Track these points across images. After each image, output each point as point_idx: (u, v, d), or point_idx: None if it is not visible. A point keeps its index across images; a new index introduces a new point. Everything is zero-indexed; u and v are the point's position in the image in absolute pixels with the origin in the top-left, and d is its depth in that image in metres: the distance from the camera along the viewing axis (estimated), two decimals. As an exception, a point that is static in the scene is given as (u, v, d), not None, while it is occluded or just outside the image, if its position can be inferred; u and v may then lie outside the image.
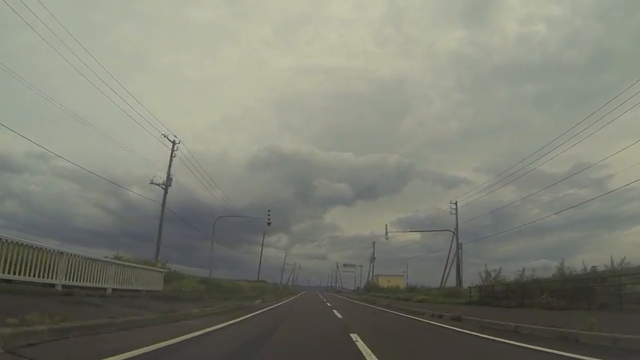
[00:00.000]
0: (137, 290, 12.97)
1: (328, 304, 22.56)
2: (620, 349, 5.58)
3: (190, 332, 6.21)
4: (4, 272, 7.85)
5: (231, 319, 9.11)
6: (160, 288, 14.92)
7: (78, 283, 10.00)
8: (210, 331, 6.70)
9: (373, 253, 68.59)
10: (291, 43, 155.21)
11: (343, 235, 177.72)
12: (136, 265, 13.76)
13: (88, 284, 10.43)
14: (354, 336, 6.58)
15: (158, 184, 26.38)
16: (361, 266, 73.19)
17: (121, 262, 12.82)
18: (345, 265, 75.01)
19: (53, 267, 9.17)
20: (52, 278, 9.10)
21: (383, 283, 71.34)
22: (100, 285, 11.03)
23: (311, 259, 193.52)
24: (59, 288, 9.23)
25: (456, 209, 35.35)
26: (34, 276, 8.60)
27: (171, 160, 27.35)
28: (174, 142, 27.44)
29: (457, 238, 34.79)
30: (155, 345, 4.69)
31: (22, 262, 8.28)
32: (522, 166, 25.64)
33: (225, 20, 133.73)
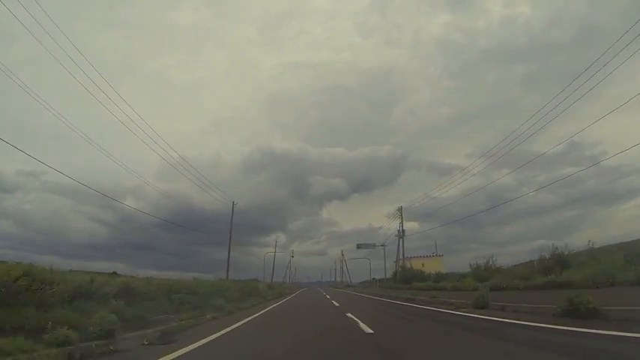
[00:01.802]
0: None
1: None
2: None
3: None
4: None
5: None
6: None
7: None
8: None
9: (401, 223, 45.40)
10: (277, 40, 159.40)
11: (341, 229, 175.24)
12: None
13: None
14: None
15: None
16: (384, 245, 49.98)
17: None
18: (359, 247, 51.65)
19: None
20: None
21: (416, 266, 48.65)
22: None
23: (310, 256, 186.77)
24: None
25: None
26: None
27: None
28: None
29: None
30: None
31: None
32: (515, 147, 19.56)
33: (208, 22, 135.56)
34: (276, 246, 68.30)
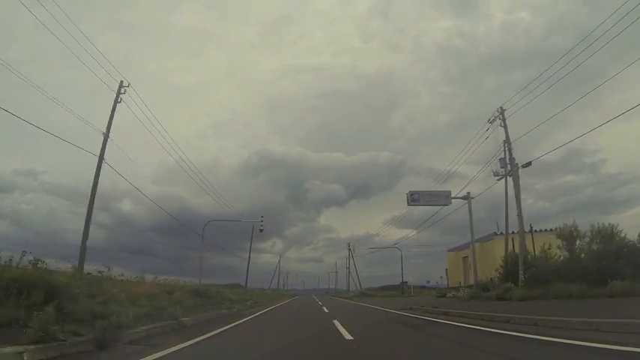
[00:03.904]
0: None
1: None
2: None
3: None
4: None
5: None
6: None
7: None
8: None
9: (508, 145, 19.33)
10: (277, 44, 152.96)
11: (338, 236, 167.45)
12: None
13: None
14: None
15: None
16: (468, 197, 22.42)
17: None
18: (413, 200, 20.45)
19: None
20: None
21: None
22: None
23: (307, 262, 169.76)
24: None
25: None
26: None
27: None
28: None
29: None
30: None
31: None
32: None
33: (209, 25, 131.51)
34: (251, 243, 42.78)
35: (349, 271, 60.92)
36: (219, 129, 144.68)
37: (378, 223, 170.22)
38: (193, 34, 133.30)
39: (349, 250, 58.46)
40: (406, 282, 41.20)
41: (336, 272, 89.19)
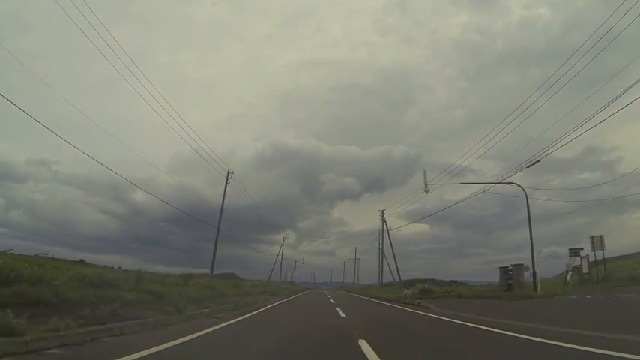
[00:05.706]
0: None
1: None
2: None
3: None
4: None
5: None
6: None
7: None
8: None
9: None
10: (293, 37, 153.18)
11: (351, 230, 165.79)
12: None
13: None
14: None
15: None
16: None
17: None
18: None
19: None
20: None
21: None
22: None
23: (320, 255, 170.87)
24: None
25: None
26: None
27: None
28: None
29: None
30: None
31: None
32: (531, 152, 14.20)
33: (226, 17, 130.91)
34: (226, 232, 32.98)
35: (382, 253, 38.12)
36: (234, 121, 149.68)
37: (390, 216, 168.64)
38: (209, 26, 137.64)
39: (382, 219, 36.89)
40: (522, 264, 20.33)
41: (357, 259, 71.52)
